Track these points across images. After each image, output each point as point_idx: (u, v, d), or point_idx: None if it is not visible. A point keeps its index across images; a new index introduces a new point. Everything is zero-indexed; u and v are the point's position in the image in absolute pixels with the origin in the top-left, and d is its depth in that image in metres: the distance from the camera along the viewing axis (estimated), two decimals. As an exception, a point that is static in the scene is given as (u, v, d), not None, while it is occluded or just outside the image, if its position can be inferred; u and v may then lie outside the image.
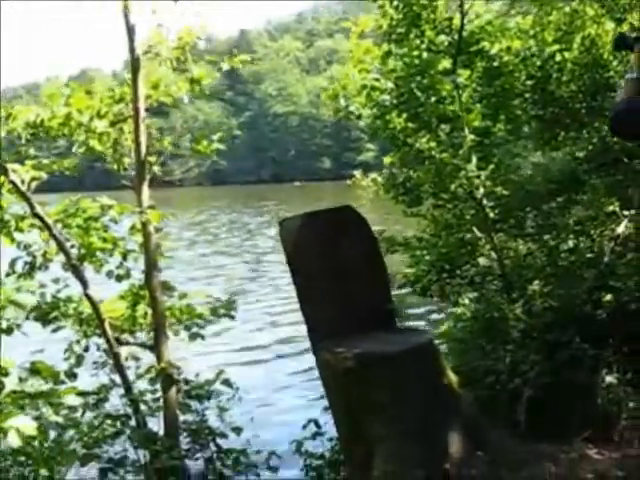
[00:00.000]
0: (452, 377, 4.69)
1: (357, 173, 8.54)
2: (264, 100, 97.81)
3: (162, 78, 5.67)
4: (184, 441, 5.45)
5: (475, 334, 6.17)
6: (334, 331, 4.71)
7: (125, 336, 5.46)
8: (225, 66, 5.78)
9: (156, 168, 5.36)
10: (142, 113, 5.17)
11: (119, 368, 5.20)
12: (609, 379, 5.30)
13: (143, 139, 5.14)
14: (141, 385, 5.46)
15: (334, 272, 4.82)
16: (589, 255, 6.84)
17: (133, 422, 5.05)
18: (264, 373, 10.15)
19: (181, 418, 5.54)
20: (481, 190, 7.04)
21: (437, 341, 7.10)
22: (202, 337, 5.62)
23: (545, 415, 5.03)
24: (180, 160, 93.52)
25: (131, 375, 5.39)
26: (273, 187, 72.19)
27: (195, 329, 5.55)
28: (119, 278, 5.25)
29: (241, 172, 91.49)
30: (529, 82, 7.76)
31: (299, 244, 4.79)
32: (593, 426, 4.87)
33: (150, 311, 5.27)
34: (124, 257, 5.21)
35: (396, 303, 5.36)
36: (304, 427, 5.46)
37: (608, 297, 6.09)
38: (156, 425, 5.29)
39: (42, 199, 5.37)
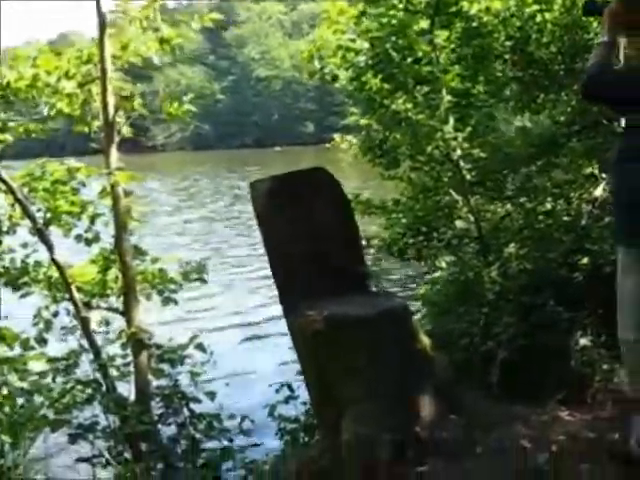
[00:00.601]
0: (425, 341, 4.65)
1: (336, 136, 8.46)
2: (247, 64, 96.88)
3: (132, 38, 5.54)
4: (157, 406, 5.42)
5: (450, 297, 6.14)
6: (305, 295, 4.64)
7: (96, 301, 5.39)
8: (195, 25, 5.65)
9: (125, 129, 5.26)
10: (109, 73, 5.05)
11: (87, 333, 5.14)
12: (583, 342, 5.30)
13: (111, 100, 5.02)
14: (114, 350, 5.41)
15: (305, 234, 4.75)
16: (566, 218, 6.82)
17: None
18: (240, 338, 10.09)
19: (154, 383, 5.50)
20: (458, 152, 6.99)
21: (414, 304, 7.14)
22: (175, 302, 5.57)
23: (519, 377, 5.03)
24: (162, 125, 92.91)
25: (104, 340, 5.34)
26: (256, 152, 71.79)
27: (167, 294, 5.49)
28: (88, 242, 5.17)
29: (224, 137, 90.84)
30: (508, 43, 7.67)
31: (269, 206, 4.71)
32: (566, 388, 4.87)
33: (120, 275, 5.21)
34: (92, 221, 5.13)
35: (371, 266, 5.31)
36: (277, 391, 5.43)
37: (584, 260, 6.07)
38: (127, 391, 5.25)
39: (22, 165, 5.28)
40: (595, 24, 7.47)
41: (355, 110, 7.73)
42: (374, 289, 5.12)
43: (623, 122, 3.48)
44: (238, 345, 9.85)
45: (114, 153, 5.08)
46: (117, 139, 5.13)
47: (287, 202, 4.71)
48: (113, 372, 5.18)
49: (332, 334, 4.31)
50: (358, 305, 4.53)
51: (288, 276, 4.77)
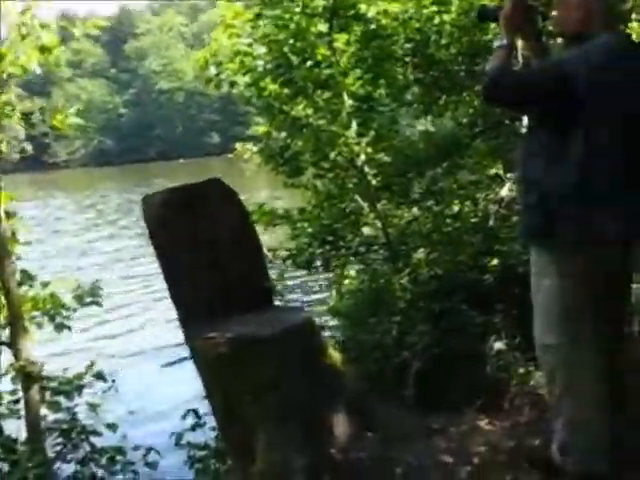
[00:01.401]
0: (335, 355, 4.43)
1: (238, 145, 8.19)
2: (148, 77, 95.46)
3: (10, 47, 5.14)
4: (54, 443, 5.02)
5: (361, 307, 5.94)
6: (205, 315, 4.35)
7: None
8: (78, 31, 5.30)
9: (3, 146, 4.86)
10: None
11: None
12: (498, 345, 5.16)
13: (-16, 114, 4.62)
14: (5, 386, 4.98)
15: (202, 250, 4.46)
16: (474, 220, 6.72)
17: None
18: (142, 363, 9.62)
19: (51, 417, 5.11)
20: (362, 157, 6.81)
21: (325, 317, 6.92)
22: (69, 328, 5.19)
23: (434, 387, 4.85)
24: (64, 141, 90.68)
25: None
26: (160, 165, 70.67)
27: (59, 320, 5.11)
28: (-36, 269, 4.76)
29: (127, 151, 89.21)
30: (408, 45, 7.56)
31: (161, 220, 4.40)
32: (483, 395, 4.72)
33: (4, 304, 4.80)
34: (-36, 248, 4.72)
35: (274, 280, 5.06)
36: (183, 417, 5.12)
37: (494, 262, 5.97)
38: (19, 429, 4.84)
39: None
40: (494, 25, 7.47)
41: (260, 119, 7.48)
42: (278, 303, 4.87)
43: (526, 122, 3.42)
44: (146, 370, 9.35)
45: (-12, 173, 4.69)
46: (-5, 157, 4.73)
47: (181, 216, 4.42)
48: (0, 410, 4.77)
49: (236, 356, 4.03)
50: (262, 323, 4.26)
51: (186, 295, 4.47)
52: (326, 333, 5.67)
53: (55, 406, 5.08)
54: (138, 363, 9.59)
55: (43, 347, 5.91)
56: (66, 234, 27.61)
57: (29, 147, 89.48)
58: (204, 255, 4.48)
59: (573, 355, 3.35)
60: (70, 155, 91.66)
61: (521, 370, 4.99)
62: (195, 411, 5.02)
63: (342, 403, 4.22)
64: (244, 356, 4.03)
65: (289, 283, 8.48)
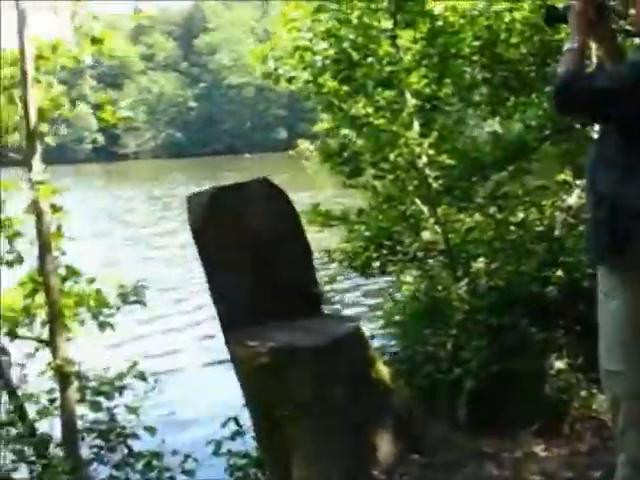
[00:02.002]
0: (384, 370, 4.19)
1: (300, 143, 7.99)
2: (218, 71, 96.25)
3: (61, 39, 5.04)
4: (93, 444, 4.89)
5: (415, 317, 5.67)
6: (248, 320, 4.16)
7: (24, 329, 4.85)
8: (131, 23, 5.16)
9: (50, 139, 4.74)
10: (30, 75, 4.53)
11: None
12: (559, 364, 4.83)
13: (32, 106, 4.50)
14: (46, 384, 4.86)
15: (248, 252, 4.27)
16: (539, 228, 6.38)
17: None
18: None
19: (90, 417, 4.99)
20: (424, 159, 6.52)
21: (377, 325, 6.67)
22: (112, 327, 5.06)
23: (489, 407, 4.56)
24: (134, 133, 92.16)
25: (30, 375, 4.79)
26: (228, 159, 71.11)
27: (103, 318, 4.98)
28: (9, 264, 4.65)
29: (196, 144, 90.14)
30: (476, 43, 7.27)
31: (206, 221, 4.22)
32: (541, 418, 4.41)
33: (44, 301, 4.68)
34: (9, 240, 4.61)
35: (324, 285, 4.84)
36: (223, 425, 4.93)
37: (559, 273, 5.63)
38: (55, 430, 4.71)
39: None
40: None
41: (326, 116, 7.25)
42: (327, 311, 4.65)
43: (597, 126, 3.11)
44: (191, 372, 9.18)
45: (37, 164, 4.56)
46: (40, 149, 4.61)
47: (226, 217, 4.23)
48: (32, 412, 4.63)
49: (277, 367, 3.84)
50: (308, 332, 4.05)
51: (228, 299, 4.28)
52: (377, 343, 5.42)
53: (95, 406, 4.95)
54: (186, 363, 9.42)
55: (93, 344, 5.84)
56: (133, 226, 27.81)
57: (100, 138, 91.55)
58: (249, 257, 4.29)
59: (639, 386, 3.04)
60: (140, 146, 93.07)
61: (583, 392, 4.67)
62: (236, 419, 4.83)
63: (389, 421, 3.99)
64: (285, 368, 3.83)
65: (343, 286, 8.34)
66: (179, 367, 9.29)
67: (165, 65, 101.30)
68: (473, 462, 4.00)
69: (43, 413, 4.59)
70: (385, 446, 3.88)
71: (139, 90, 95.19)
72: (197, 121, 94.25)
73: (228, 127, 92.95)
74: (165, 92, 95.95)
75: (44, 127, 4.63)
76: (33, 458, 4.36)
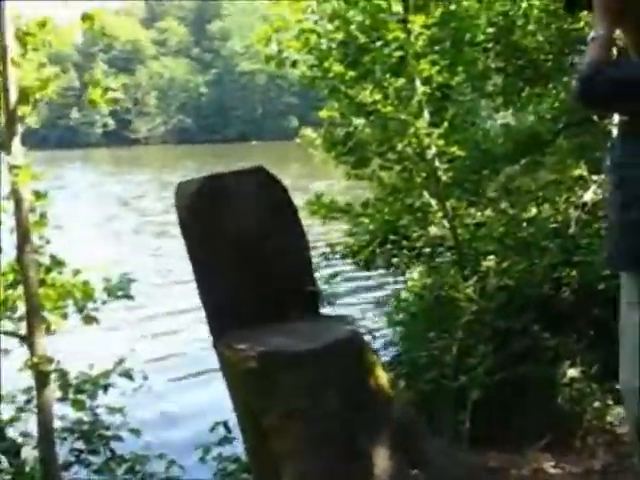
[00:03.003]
0: (383, 377, 3.86)
1: (305, 130, 7.67)
2: (230, 58, 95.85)
3: (50, 15, 4.74)
4: (73, 447, 4.61)
5: (420, 317, 5.37)
6: (238, 321, 3.85)
7: (5, 323, 4.56)
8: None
9: (31, 120, 4.44)
10: (11, 53, 4.23)
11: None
12: (572, 373, 4.52)
13: (12, 85, 4.20)
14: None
15: (238, 245, 3.95)
16: (552, 225, 6.06)
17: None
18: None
19: (74, 416, 4.71)
20: (433, 150, 6.21)
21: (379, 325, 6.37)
22: (96, 321, 4.77)
23: (495, 419, 4.25)
24: (146, 118, 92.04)
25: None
26: (239, 146, 70.78)
27: (87, 311, 4.69)
28: (-14, 253, 4.37)
29: (206, 130, 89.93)
30: (490, 30, 6.96)
31: (194, 211, 3.91)
32: (551, 431, 4.10)
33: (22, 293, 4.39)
34: (-18, 229, 4.33)
35: (324, 283, 4.53)
36: (211, 430, 4.65)
37: (573, 274, 5.32)
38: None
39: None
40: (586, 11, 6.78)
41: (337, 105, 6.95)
42: (325, 312, 4.33)
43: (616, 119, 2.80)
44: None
45: (17, 147, 4.26)
46: (20, 130, 4.30)
47: (215, 207, 3.91)
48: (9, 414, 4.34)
49: (266, 373, 3.52)
50: (301, 335, 3.73)
51: (217, 297, 3.97)
52: (378, 344, 5.12)
53: (78, 405, 4.66)
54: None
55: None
56: (140, 213, 27.53)
57: (111, 122, 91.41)
58: (238, 253, 3.97)
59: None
60: (150, 132, 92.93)
61: (597, 404, 4.35)
62: (225, 424, 4.55)
63: (386, 432, 3.67)
64: (275, 374, 3.51)
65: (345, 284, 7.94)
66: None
67: (177, 51, 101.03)
68: (476, 479, 3.69)
69: (16, 417, 4.29)
70: (382, 460, 3.56)
71: (150, 75, 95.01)
72: (208, 107, 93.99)
73: (239, 114, 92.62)
74: (176, 78, 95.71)
75: (25, 109, 4.32)
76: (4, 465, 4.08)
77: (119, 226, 22.93)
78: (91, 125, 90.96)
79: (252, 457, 4.02)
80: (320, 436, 3.48)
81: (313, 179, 23.40)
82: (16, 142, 4.26)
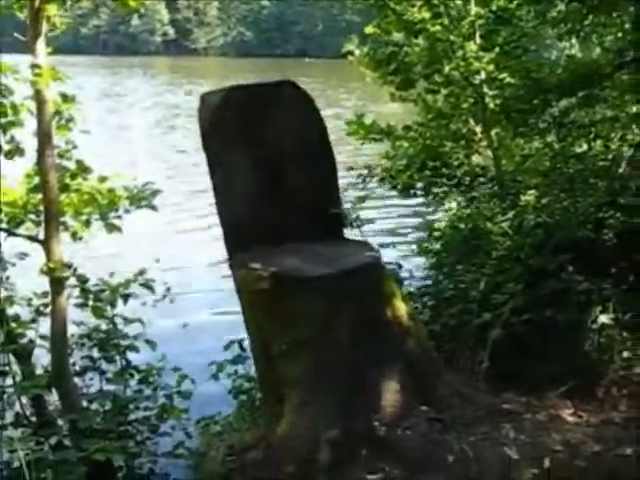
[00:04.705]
0: (402, 307, 3.72)
1: (352, 47, 7.36)
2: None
3: None
4: (88, 355, 4.59)
5: (452, 248, 5.18)
6: (255, 240, 3.73)
7: (24, 227, 4.48)
8: None
9: (59, 20, 4.26)
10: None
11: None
12: (602, 319, 4.29)
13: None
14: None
15: (260, 163, 3.80)
16: (602, 163, 5.75)
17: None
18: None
19: (93, 322, 4.67)
20: (482, 75, 5.94)
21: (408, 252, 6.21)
22: (119, 229, 4.68)
23: (515, 360, 4.09)
24: (206, 29, 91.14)
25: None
26: (298, 61, 69.79)
27: (111, 219, 4.59)
28: (9, 155, 4.25)
29: (266, 45, 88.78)
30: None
31: (217, 124, 3.75)
32: (573, 378, 3.92)
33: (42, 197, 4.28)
34: (4, 130, 4.19)
35: (352, 205, 4.35)
36: (226, 348, 4.57)
37: (617, 216, 5.04)
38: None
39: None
40: None
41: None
42: (348, 235, 4.18)
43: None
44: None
45: (41, 47, 4.09)
46: (45, 30, 4.12)
47: (240, 120, 3.74)
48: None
49: (277, 294, 3.42)
50: (320, 259, 3.61)
51: (237, 216, 3.84)
52: (404, 273, 4.95)
53: (98, 311, 4.62)
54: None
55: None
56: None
57: (171, 31, 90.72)
58: (262, 170, 3.82)
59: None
60: (210, 43, 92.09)
61: (626, 353, 4.14)
62: (240, 342, 4.46)
63: (398, 366, 3.55)
64: (286, 296, 3.41)
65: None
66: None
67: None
68: (488, 422, 3.56)
69: (29, 321, 4.23)
70: (390, 394, 3.46)
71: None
72: (269, 21, 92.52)
73: (300, 30, 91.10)
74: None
75: (52, 9, 4.14)
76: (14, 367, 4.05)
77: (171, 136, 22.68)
78: (151, 33, 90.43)
79: (260, 381, 3.95)
80: (327, 367, 3.38)
81: (373, 101, 22.82)
82: (40, 42, 4.09)
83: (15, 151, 4.25)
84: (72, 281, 4.44)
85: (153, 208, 4.66)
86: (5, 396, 4.04)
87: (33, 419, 4.24)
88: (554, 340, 4.13)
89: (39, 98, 4.11)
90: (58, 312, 4.19)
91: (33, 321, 4.34)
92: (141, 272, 4.76)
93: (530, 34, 6.33)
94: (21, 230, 4.52)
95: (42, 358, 4.41)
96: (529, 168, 5.94)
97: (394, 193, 6.57)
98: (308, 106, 3.90)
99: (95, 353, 4.59)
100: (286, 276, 3.43)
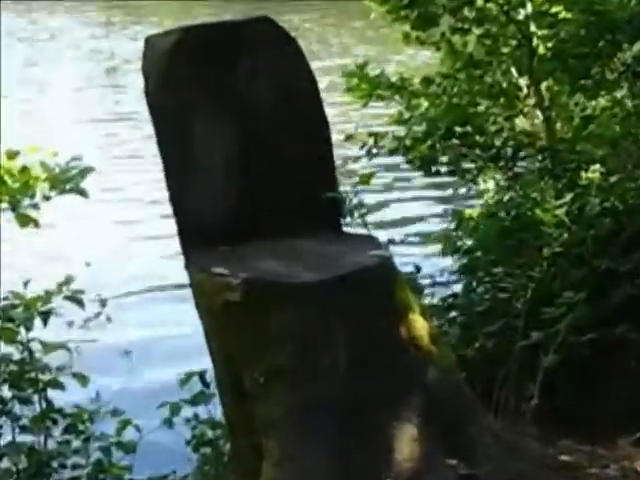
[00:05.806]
0: (420, 323, 3.78)
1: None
2: None
3: None
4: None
5: (488, 244, 5.26)
6: (220, 235, 3.78)
7: None
8: None
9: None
10: None
11: None
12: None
13: None
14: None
15: (227, 128, 3.87)
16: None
17: None
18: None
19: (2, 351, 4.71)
20: (528, 8, 6.00)
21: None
22: (35, 222, 4.69)
23: (574, 396, 4.20)
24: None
25: None
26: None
27: (24, 209, 4.59)
28: None
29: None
30: None
31: (168, 77, 3.80)
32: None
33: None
34: None
35: (352, 187, 4.41)
36: (182, 384, 4.61)
37: None
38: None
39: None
40: None
41: None
42: (348, 228, 4.24)
43: None
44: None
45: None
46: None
47: (200, 72, 3.80)
48: None
49: (253, 308, 3.48)
50: (307, 260, 3.71)
51: (193, 200, 3.89)
52: (426, 279, 5.05)
53: (9, 335, 4.66)
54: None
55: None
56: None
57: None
58: (231, 137, 3.88)
59: None
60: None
61: None
62: (202, 375, 4.51)
63: (416, 404, 3.61)
64: (263, 311, 3.47)
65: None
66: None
67: None
68: (539, 476, 3.64)
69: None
70: (405, 443, 3.52)
71: None
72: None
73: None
74: None
75: None
76: None
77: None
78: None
79: (229, 427, 4.02)
80: (318, 406, 3.44)
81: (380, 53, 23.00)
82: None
83: None
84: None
85: (82, 193, 4.68)
86: None
87: None
88: (626, 367, 4.24)
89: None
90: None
91: None
92: (67, 280, 4.80)
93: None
94: None
95: None
96: (592, 135, 6.02)
97: (409, 169, 6.66)
98: (289, 48, 3.95)
99: (5, 392, 4.65)
100: (263, 284, 3.49)
